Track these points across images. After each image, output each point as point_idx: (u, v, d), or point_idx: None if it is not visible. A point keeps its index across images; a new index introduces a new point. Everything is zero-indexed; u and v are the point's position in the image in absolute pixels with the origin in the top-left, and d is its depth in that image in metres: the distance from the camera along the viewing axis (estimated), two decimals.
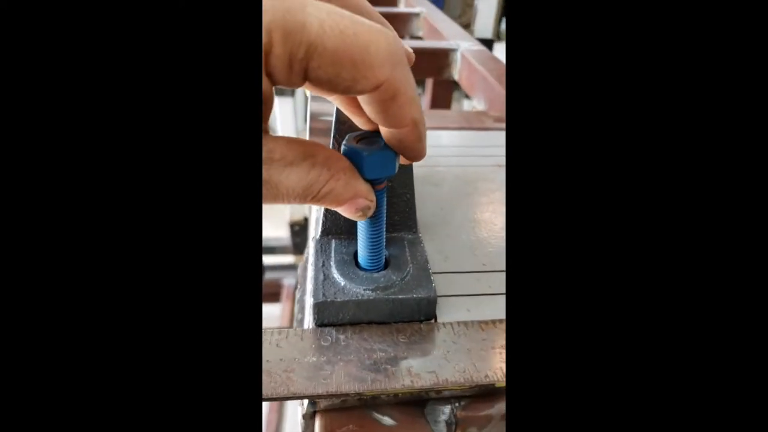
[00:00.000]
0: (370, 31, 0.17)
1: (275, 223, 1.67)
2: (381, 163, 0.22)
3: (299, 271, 0.41)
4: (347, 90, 0.18)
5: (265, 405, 1.25)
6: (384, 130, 0.21)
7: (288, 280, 1.56)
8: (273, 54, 0.17)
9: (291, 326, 0.28)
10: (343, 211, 0.22)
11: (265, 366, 0.23)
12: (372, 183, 0.23)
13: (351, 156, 0.22)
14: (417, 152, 0.22)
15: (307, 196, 0.20)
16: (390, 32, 0.18)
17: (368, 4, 0.22)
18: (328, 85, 0.18)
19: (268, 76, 0.17)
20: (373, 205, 0.23)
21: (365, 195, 0.22)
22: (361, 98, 0.20)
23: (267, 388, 0.22)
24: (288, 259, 1.63)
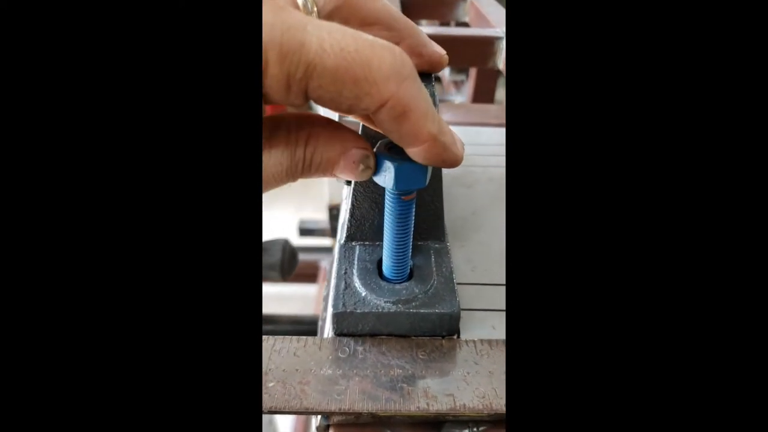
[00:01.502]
0: (373, 46, 0.17)
1: (316, 205, 1.68)
2: (412, 174, 0.21)
3: (328, 266, 0.41)
4: (351, 108, 0.17)
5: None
6: (406, 149, 0.20)
7: (324, 262, 1.58)
8: (268, 74, 0.16)
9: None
10: (346, 175, 0.20)
11: (280, 376, 0.22)
12: (400, 194, 0.22)
13: (379, 167, 0.21)
14: (448, 163, 0.20)
15: (295, 174, 0.19)
16: (396, 47, 0.17)
17: (390, 9, 0.21)
18: (331, 103, 0.17)
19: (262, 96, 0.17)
20: (370, 152, 0.21)
21: (354, 142, 0.20)
22: (373, 118, 0.19)
23: (281, 400, 0.21)
24: (326, 241, 1.64)
